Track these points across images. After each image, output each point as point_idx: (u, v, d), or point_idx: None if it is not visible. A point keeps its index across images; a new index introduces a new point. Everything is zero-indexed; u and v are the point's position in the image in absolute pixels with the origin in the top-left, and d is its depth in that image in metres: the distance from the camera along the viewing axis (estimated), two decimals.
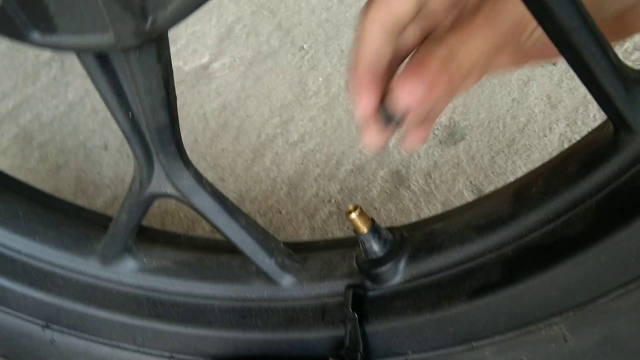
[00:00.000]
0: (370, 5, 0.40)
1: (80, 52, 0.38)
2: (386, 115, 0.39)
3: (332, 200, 0.80)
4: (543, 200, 0.40)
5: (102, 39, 0.34)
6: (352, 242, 0.52)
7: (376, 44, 0.40)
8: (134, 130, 0.45)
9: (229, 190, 0.83)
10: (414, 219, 0.74)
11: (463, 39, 0.38)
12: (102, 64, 0.40)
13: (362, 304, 0.48)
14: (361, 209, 0.47)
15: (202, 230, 0.81)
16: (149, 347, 0.55)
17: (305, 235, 0.77)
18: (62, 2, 0.33)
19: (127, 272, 0.57)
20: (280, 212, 0.80)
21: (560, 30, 0.32)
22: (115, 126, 0.93)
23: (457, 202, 0.74)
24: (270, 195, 0.82)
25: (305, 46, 0.96)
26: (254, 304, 0.54)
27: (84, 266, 0.57)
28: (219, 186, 0.83)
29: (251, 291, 0.54)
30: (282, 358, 0.51)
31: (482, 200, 0.47)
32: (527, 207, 0.41)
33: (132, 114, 0.44)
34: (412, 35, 0.42)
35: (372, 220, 0.47)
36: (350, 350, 0.46)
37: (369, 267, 0.48)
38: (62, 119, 0.98)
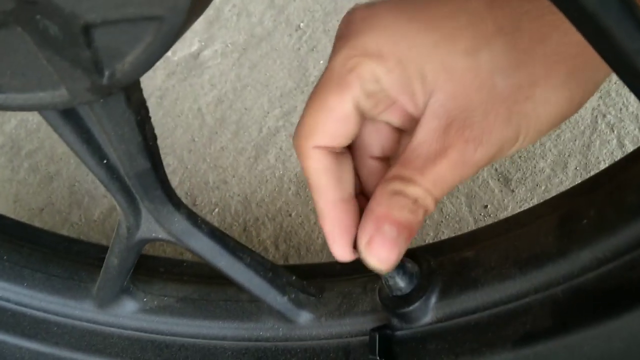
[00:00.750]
0: (303, 130, 0.36)
1: (30, 111, 0.32)
2: None
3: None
4: (598, 236, 0.34)
5: (54, 96, 0.28)
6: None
7: (325, 178, 0.37)
8: (112, 178, 0.39)
9: (233, 194, 0.77)
10: (436, 215, 0.68)
11: (434, 183, 0.33)
12: (65, 114, 0.34)
13: (390, 346, 0.43)
14: None
15: None
16: None
17: (319, 240, 0.71)
18: (0, 59, 0.26)
19: (126, 314, 0.52)
20: (290, 215, 0.74)
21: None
22: None
23: (482, 194, 0.68)
24: (277, 196, 0.76)
25: (301, 25, 0.88)
26: (269, 344, 0.48)
27: (79, 310, 0.52)
28: (222, 190, 0.77)
29: (265, 330, 0.49)
30: None
31: (520, 226, 0.40)
32: (578, 242, 0.35)
33: (107, 160, 0.38)
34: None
35: None
36: None
37: (395, 306, 0.42)
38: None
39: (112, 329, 0.52)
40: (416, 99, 0.33)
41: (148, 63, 0.26)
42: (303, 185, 0.76)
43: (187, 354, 0.50)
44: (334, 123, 0.35)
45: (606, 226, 0.34)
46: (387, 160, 0.39)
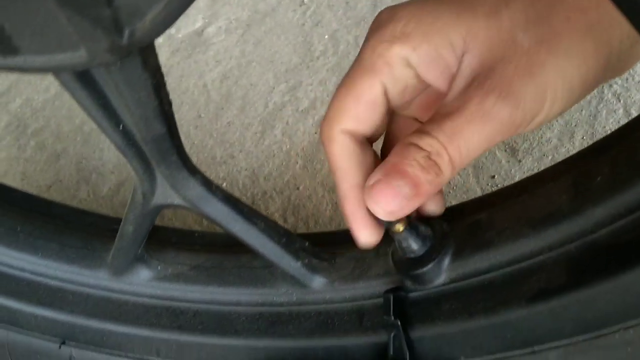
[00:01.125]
0: (330, 115, 0.37)
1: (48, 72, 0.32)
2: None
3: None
4: (612, 193, 0.34)
5: (73, 57, 0.28)
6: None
7: (349, 162, 0.38)
8: (128, 144, 0.39)
9: (241, 168, 0.77)
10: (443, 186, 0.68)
11: (450, 137, 0.32)
12: (81, 78, 0.34)
13: (404, 307, 0.43)
14: None
15: None
16: (174, 359, 0.52)
17: (327, 212, 0.72)
18: (19, 21, 0.26)
19: (141, 282, 0.52)
20: (298, 188, 0.75)
21: None
22: None
23: (489, 165, 0.68)
24: (285, 170, 0.76)
25: (305, 0, 0.88)
26: (283, 308, 0.49)
27: (94, 279, 0.53)
28: (229, 164, 0.77)
29: (278, 295, 0.49)
30: None
31: (533, 187, 0.41)
32: (592, 199, 0.35)
33: (123, 125, 0.38)
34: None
35: (407, 215, 0.41)
36: (396, 359, 0.42)
37: (408, 268, 0.43)
38: (54, 102, 0.92)
39: (127, 297, 0.52)
40: (450, 68, 0.34)
41: (167, 22, 0.26)
42: (310, 159, 0.76)
43: (202, 319, 0.51)
44: (361, 107, 0.36)
45: (619, 183, 0.34)
46: None
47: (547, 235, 0.37)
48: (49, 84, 0.93)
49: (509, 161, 0.68)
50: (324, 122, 0.38)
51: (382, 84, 0.35)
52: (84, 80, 0.34)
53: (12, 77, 0.96)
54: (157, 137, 0.38)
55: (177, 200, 0.44)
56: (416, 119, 0.40)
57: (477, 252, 0.41)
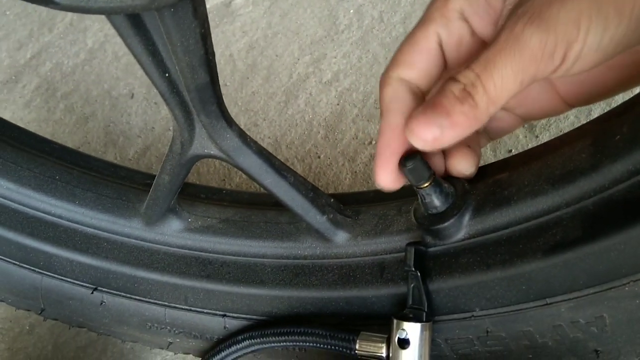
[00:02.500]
0: (390, 63, 0.39)
1: (110, 14, 0.34)
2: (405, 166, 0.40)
3: (373, 142, 0.76)
4: (630, 150, 0.36)
5: None
6: (405, 192, 0.49)
7: (396, 104, 0.39)
8: (172, 91, 0.42)
9: (264, 136, 0.80)
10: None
11: (484, 67, 0.34)
12: (134, 24, 0.36)
13: (424, 261, 0.46)
14: (421, 156, 0.41)
15: (239, 178, 0.79)
16: (201, 307, 0.54)
17: (347, 180, 0.74)
18: None
19: (172, 232, 0.55)
20: (319, 157, 0.77)
21: None
22: (140, 72, 0.90)
23: (506, 139, 0.70)
24: (307, 139, 0.79)
25: None
26: (307, 261, 0.52)
27: (127, 228, 0.55)
28: (253, 132, 0.80)
29: (303, 249, 0.52)
30: (341, 316, 0.49)
31: (554, 148, 0.43)
32: (610, 157, 0.37)
33: (169, 74, 0.41)
34: None
35: (432, 172, 0.44)
36: (414, 309, 0.44)
37: (430, 223, 0.45)
38: (83, 67, 0.94)
39: (159, 246, 0.55)
40: (498, 16, 0.36)
41: None
42: (332, 129, 0.78)
43: (229, 270, 0.53)
44: (416, 55, 0.39)
45: (637, 141, 0.36)
46: None
47: (565, 191, 0.39)
48: (79, 49, 0.95)
49: (526, 136, 0.69)
50: (384, 71, 0.40)
51: (437, 34, 0.38)
52: (137, 26, 0.37)
53: (43, 41, 0.98)
54: (201, 86, 0.41)
55: (213, 150, 0.46)
56: None
57: (496, 209, 0.43)
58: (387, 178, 0.41)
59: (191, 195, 0.57)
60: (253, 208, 0.56)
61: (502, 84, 0.33)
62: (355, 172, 0.75)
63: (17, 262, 0.56)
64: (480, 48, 0.38)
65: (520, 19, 0.32)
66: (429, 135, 0.35)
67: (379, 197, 0.53)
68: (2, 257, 0.56)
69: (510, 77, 0.33)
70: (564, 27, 0.32)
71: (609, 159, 0.37)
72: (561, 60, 0.32)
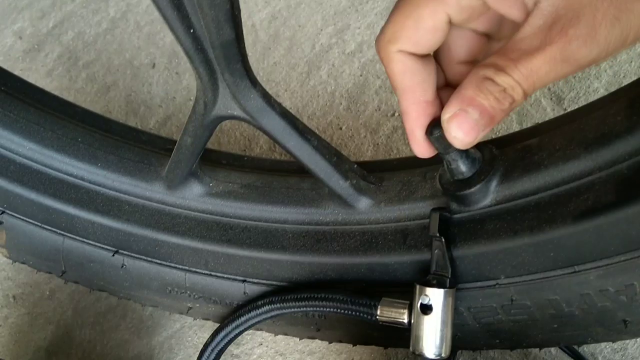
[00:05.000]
0: (387, 34, 0.38)
1: None
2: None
3: (396, 114, 0.75)
4: None
5: None
6: (428, 160, 0.48)
7: (411, 80, 0.38)
8: (197, 48, 0.41)
9: (285, 107, 0.79)
10: None
11: (527, 74, 0.33)
12: None
13: (449, 227, 0.45)
14: None
15: (259, 149, 0.79)
16: (222, 272, 0.54)
17: (368, 152, 0.73)
18: None
19: (193, 196, 0.54)
20: (341, 129, 0.76)
21: None
22: (161, 42, 0.89)
23: (534, 112, 0.68)
24: (329, 110, 0.78)
25: None
26: (329, 227, 0.51)
27: (149, 192, 0.55)
28: None
29: (325, 215, 0.51)
30: (362, 283, 0.49)
31: (587, 112, 0.42)
32: None
33: (193, 30, 0.40)
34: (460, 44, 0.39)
35: None
36: (438, 275, 0.44)
37: (456, 189, 0.44)
38: (105, 36, 0.94)
39: (180, 210, 0.55)
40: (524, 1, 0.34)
41: None
42: (354, 101, 0.77)
43: (250, 235, 0.53)
44: (422, 32, 0.37)
45: None
46: (473, 63, 0.40)
47: (598, 155, 0.38)
48: (101, 18, 0.95)
49: (554, 109, 0.68)
50: (379, 41, 0.39)
51: (446, 13, 0.36)
52: None
53: (66, 10, 0.98)
54: (226, 43, 0.40)
55: (237, 111, 0.45)
56: (473, 30, 0.40)
57: (525, 174, 0.42)
58: (426, 151, 0.41)
59: (213, 161, 0.57)
60: (275, 174, 0.55)
61: (541, 85, 0.34)
62: (378, 144, 0.74)
63: (39, 224, 0.56)
64: (496, 16, 0.37)
65: (575, 39, 0.32)
66: (473, 137, 0.36)
67: (403, 164, 0.52)
68: (25, 218, 0.56)
69: (550, 80, 0.34)
70: (615, 45, 0.32)
71: None
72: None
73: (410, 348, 0.44)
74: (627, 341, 0.56)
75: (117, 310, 0.72)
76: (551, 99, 0.69)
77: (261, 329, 0.60)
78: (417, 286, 0.44)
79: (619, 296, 0.40)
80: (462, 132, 0.36)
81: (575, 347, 0.56)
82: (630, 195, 0.36)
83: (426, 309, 0.43)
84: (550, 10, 0.33)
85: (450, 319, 0.43)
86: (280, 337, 0.66)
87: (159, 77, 0.88)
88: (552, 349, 0.57)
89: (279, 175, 0.55)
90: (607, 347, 0.56)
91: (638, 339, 0.56)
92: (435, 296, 0.43)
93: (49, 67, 0.94)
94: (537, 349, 0.58)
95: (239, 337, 0.67)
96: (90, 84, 0.91)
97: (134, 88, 0.89)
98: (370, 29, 0.81)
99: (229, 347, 0.65)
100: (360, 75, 0.78)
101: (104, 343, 0.71)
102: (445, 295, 0.43)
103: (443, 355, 0.43)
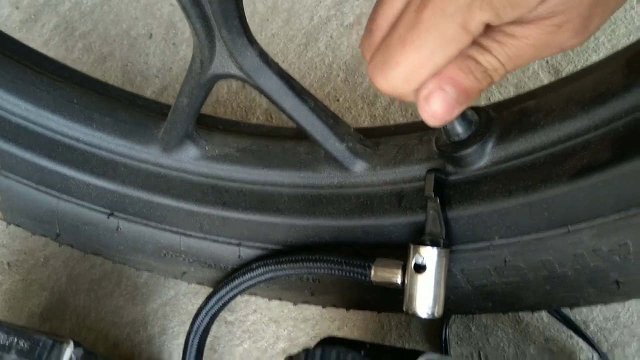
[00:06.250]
0: None
1: None
2: None
3: None
4: None
5: None
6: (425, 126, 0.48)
7: None
8: (194, 3, 0.41)
9: None
10: (482, 103, 0.69)
11: (513, 57, 0.33)
12: None
13: (444, 188, 0.45)
14: None
15: (255, 120, 0.78)
16: (217, 235, 0.54)
17: (365, 124, 0.73)
18: None
19: (189, 159, 0.54)
20: (338, 100, 0.76)
21: None
22: (159, 13, 0.88)
23: (531, 84, 0.68)
24: (326, 82, 0.77)
25: None
26: (325, 191, 0.51)
27: (144, 154, 0.55)
28: None
29: (321, 178, 0.51)
30: (357, 245, 0.49)
31: (584, 74, 0.42)
32: None
33: None
34: None
35: None
36: (432, 235, 0.44)
37: (452, 150, 0.44)
38: (102, 6, 0.93)
39: (175, 173, 0.55)
40: None
41: None
42: (352, 73, 0.77)
43: (245, 198, 0.53)
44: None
45: None
46: None
47: (595, 114, 0.38)
48: None
49: (550, 80, 0.68)
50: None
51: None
52: None
53: None
54: None
55: (233, 69, 0.45)
56: None
57: (521, 135, 0.42)
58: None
59: (209, 126, 0.57)
60: (271, 139, 0.55)
61: (522, 66, 0.34)
62: (374, 115, 0.74)
63: (34, 185, 0.56)
64: None
65: (567, 31, 0.31)
66: (450, 115, 0.35)
67: (400, 130, 0.52)
68: (20, 179, 0.56)
69: (531, 61, 0.34)
70: (598, 30, 0.32)
71: None
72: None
73: (404, 307, 0.44)
74: (619, 309, 0.56)
75: (112, 277, 0.72)
76: (549, 71, 0.69)
77: (255, 294, 0.61)
78: (412, 246, 0.44)
79: (612, 256, 0.40)
80: (440, 110, 0.35)
81: (569, 315, 0.56)
82: (626, 152, 0.36)
83: (420, 268, 0.43)
84: (550, 5, 0.31)
85: (444, 278, 0.44)
86: (274, 304, 0.66)
87: (155, 48, 0.88)
88: (545, 317, 0.57)
89: (275, 140, 0.55)
90: (599, 315, 0.57)
91: (630, 307, 0.56)
92: (429, 255, 0.43)
93: (46, 37, 0.93)
94: (530, 317, 0.58)
95: (233, 304, 0.67)
96: (87, 54, 0.90)
97: (130, 58, 0.88)
98: (369, 1, 0.80)
99: (223, 314, 0.66)
100: (358, 48, 0.78)
101: (98, 309, 0.71)
102: (439, 255, 0.43)
103: (435, 314, 0.43)
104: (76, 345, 0.50)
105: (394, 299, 0.47)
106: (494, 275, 0.46)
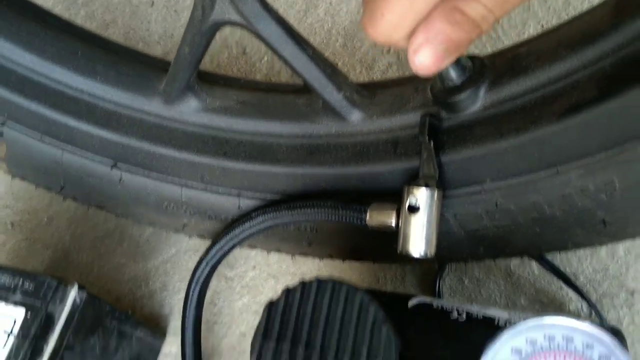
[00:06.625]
0: None
1: None
2: None
3: (391, 50, 0.76)
4: None
5: None
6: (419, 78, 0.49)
7: None
8: None
9: None
10: None
11: (501, 6, 0.33)
12: None
13: (438, 133, 0.46)
14: None
15: None
16: (217, 185, 0.56)
17: None
18: None
19: (190, 111, 0.56)
20: (337, 64, 0.77)
21: None
22: None
23: None
24: (325, 47, 0.79)
25: None
26: (322, 140, 0.52)
27: (147, 106, 0.56)
28: None
29: (318, 128, 0.53)
30: (353, 193, 0.50)
31: (575, 20, 0.43)
32: (632, 14, 0.37)
33: None
34: None
35: None
36: (426, 178, 0.45)
37: (446, 96, 0.45)
38: None
39: (177, 124, 0.56)
40: None
41: None
42: (351, 38, 0.78)
43: (245, 149, 0.54)
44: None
45: None
46: None
47: (583, 54, 0.40)
48: None
49: None
50: None
51: None
52: None
53: None
54: None
55: (234, 16, 0.46)
56: None
57: (513, 79, 0.43)
58: None
59: (210, 81, 0.58)
60: (270, 93, 0.57)
61: (511, 10, 0.34)
62: (373, 79, 0.75)
63: (39, 136, 0.57)
64: None
65: None
66: (439, 67, 0.35)
67: (396, 83, 0.54)
68: (26, 131, 0.58)
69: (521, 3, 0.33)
70: None
71: (629, 15, 0.37)
72: None
73: (398, 249, 0.46)
74: (608, 262, 0.58)
75: (114, 235, 0.74)
76: None
77: (255, 247, 0.62)
78: (406, 188, 0.45)
79: (599, 194, 0.42)
80: (428, 62, 0.35)
81: (559, 267, 0.58)
82: (611, 90, 0.37)
83: (413, 209, 0.45)
84: None
85: (436, 219, 0.45)
86: (273, 260, 0.68)
87: (157, 15, 0.89)
88: (535, 270, 0.59)
89: (275, 94, 0.56)
90: (589, 267, 0.58)
91: (619, 260, 0.58)
92: (422, 196, 0.44)
93: (48, 5, 0.94)
94: (521, 270, 0.60)
95: (233, 261, 0.69)
96: (89, 21, 0.91)
97: (132, 25, 0.89)
98: None
99: (222, 271, 0.67)
100: (357, 13, 0.79)
101: (101, 266, 0.72)
102: (432, 196, 0.44)
103: (428, 254, 0.45)
104: (80, 288, 0.51)
105: (389, 247, 0.49)
106: (485, 219, 0.47)
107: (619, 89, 0.37)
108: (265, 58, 0.81)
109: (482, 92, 0.44)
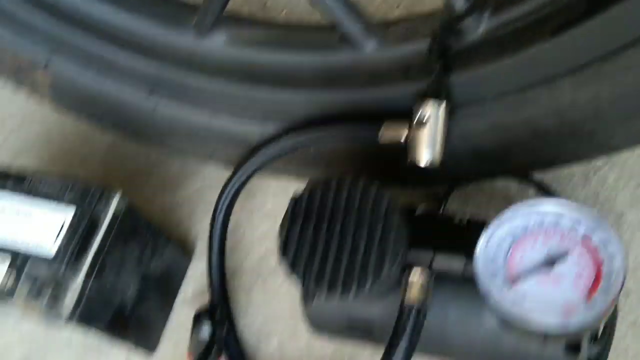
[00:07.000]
0: None
1: None
2: None
3: (401, 6, 0.81)
4: None
5: None
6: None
7: None
8: None
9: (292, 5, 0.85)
10: None
11: None
12: None
13: (446, 55, 0.51)
14: None
15: None
16: (244, 113, 0.61)
17: None
18: None
19: (219, 44, 0.61)
20: None
21: None
22: None
23: None
24: None
25: None
26: (340, 68, 0.58)
27: (180, 39, 0.62)
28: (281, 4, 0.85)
29: (337, 58, 0.58)
30: (369, 114, 0.56)
31: None
32: None
33: None
34: None
35: None
36: (434, 92, 0.50)
37: (453, 23, 0.51)
38: None
39: (207, 56, 0.61)
40: None
41: None
42: None
43: (270, 78, 0.60)
44: None
45: None
46: None
47: None
48: None
49: None
50: None
51: None
52: None
53: None
54: None
55: None
56: None
57: (513, 5, 0.49)
58: None
59: (237, 20, 0.64)
60: (293, 29, 0.62)
61: None
62: None
63: (81, 68, 0.63)
64: None
65: None
66: None
67: (407, 19, 0.59)
68: (68, 63, 0.63)
69: None
70: None
71: None
72: None
73: (408, 159, 0.51)
74: (599, 189, 0.63)
75: (143, 171, 0.79)
76: None
77: (277, 173, 0.68)
78: (416, 104, 0.51)
79: (587, 105, 0.47)
80: None
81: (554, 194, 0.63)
82: (598, 4, 0.43)
83: (422, 121, 0.50)
84: None
85: (442, 131, 0.50)
86: (292, 188, 0.73)
87: None
88: (534, 195, 0.64)
89: (297, 29, 0.62)
90: (581, 193, 0.64)
91: (608, 187, 0.63)
92: (429, 108, 0.50)
93: None
94: (520, 197, 0.65)
95: (254, 190, 0.74)
96: None
97: None
98: None
99: (243, 201, 0.73)
100: None
101: (132, 199, 0.78)
102: (439, 107, 0.50)
103: (434, 162, 0.50)
104: (122, 197, 0.57)
105: (400, 169, 0.54)
106: (488, 135, 0.53)
107: (604, 5, 0.42)
108: (284, 11, 0.86)
109: (485, 17, 0.50)
